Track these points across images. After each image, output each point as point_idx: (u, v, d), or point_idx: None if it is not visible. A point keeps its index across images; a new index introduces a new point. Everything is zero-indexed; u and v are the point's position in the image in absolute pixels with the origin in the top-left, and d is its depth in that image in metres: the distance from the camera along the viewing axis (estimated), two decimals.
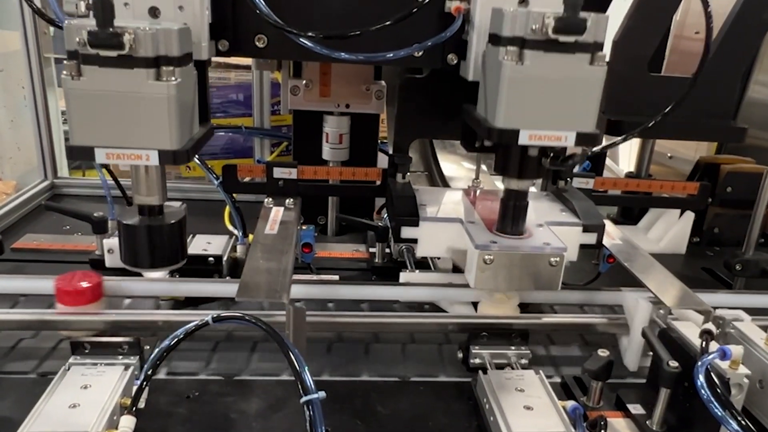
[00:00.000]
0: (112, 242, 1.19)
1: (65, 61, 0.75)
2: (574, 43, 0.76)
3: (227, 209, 1.39)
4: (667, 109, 1.11)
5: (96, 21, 0.73)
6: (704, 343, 0.77)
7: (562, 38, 0.75)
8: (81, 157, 0.79)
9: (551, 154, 0.86)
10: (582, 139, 0.80)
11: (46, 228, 1.43)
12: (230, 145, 1.78)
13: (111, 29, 0.72)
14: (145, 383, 0.76)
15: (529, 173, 0.88)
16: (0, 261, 1.21)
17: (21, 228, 1.43)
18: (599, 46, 0.78)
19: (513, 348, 0.95)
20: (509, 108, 0.79)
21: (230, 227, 1.39)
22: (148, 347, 0.88)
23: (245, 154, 1.78)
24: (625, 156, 2.17)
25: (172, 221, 0.90)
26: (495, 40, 0.82)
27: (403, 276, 1.14)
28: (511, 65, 0.77)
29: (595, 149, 0.88)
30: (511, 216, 0.92)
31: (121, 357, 0.85)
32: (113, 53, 0.73)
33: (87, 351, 0.85)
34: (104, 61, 0.74)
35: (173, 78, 0.77)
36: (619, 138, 1.17)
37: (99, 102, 0.76)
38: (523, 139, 0.80)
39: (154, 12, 0.88)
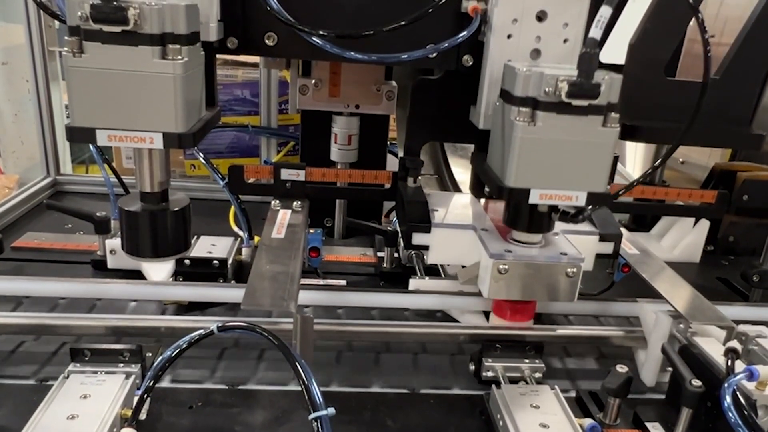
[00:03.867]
0: (114, 243, 1.16)
1: (66, 38, 0.72)
2: (587, 106, 0.75)
3: (232, 210, 1.36)
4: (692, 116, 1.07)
5: None
6: (730, 362, 0.74)
7: (576, 102, 0.74)
8: (81, 139, 0.76)
9: (561, 210, 0.86)
10: (593, 198, 0.81)
11: (48, 226, 1.40)
12: (236, 144, 1.75)
13: (115, 2, 0.69)
14: (146, 395, 0.73)
15: (538, 227, 0.89)
16: (0, 260, 1.18)
17: (22, 226, 1.40)
18: (613, 107, 0.77)
19: (527, 361, 0.92)
20: (520, 168, 0.79)
21: (235, 228, 1.36)
22: (150, 354, 0.86)
23: (251, 153, 1.75)
24: (631, 159, 2.14)
25: (176, 209, 0.87)
26: (507, 97, 0.81)
27: (413, 283, 1.11)
28: (523, 126, 0.77)
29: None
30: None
31: (122, 365, 0.82)
32: (117, 29, 0.70)
33: (87, 358, 0.82)
34: (107, 38, 0.71)
35: (180, 57, 0.74)
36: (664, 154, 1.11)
37: (101, 81, 0.73)
38: (534, 198, 0.80)
39: None
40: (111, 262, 1.17)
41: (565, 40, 0.90)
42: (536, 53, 0.90)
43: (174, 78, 0.74)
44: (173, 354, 0.73)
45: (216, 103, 0.95)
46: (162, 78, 0.74)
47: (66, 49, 0.72)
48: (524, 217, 0.88)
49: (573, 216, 0.85)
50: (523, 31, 0.89)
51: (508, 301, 0.98)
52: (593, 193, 0.80)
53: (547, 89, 0.74)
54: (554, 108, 0.75)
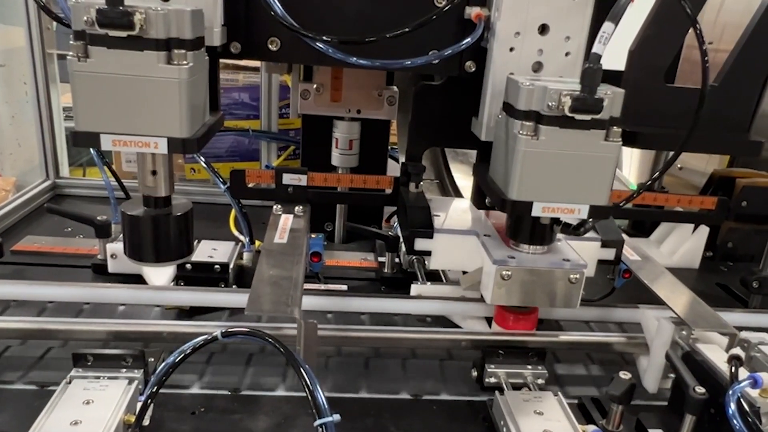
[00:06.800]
0: (115, 247, 1.16)
1: (71, 42, 0.71)
2: (589, 121, 0.76)
3: (233, 214, 1.36)
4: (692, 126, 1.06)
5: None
6: (733, 368, 0.75)
7: (579, 116, 0.75)
8: (86, 143, 0.76)
9: (563, 222, 0.87)
10: (595, 211, 0.81)
11: (47, 230, 1.39)
12: (235, 148, 1.75)
13: (121, 8, 0.69)
14: (149, 400, 0.73)
15: (540, 239, 0.89)
16: (0, 264, 1.17)
17: (21, 229, 1.39)
18: (615, 121, 0.78)
19: (530, 367, 0.92)
20: (523, 181, 0.80)
21: (236, 232, 1.36)
22: (152, 359, 0.85)
23: (251, 157, 1.75)
24: (627, 164, 2.14)
25: (179, 213, 0.87)
26: (510, 110, 0.82)
27: (415, 288, 1.11)
28: (526, 140, 0.78)
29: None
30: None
31: (124, 370, 0.82)
32: (123, 34, 0.70)
33: (89, 363, 0.82)
34: (113, 42, 0.71)
35: (185, 62, 0.74)
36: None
37: (106, 85, 0.73)
38: (537, 211, 0.81)
39: None
40: (112, 267, 1.17)
41: (567, 53, 0.90)
42: (538, 65, 0.91)
43: (179, 83, 0.74)
44: (177, 359, 0.73)
45: (219, 108, 0.95)
46: (167, 83, 0.74)
47: (71, 53, 0.72)
48: (526, 229, 0.89)
49: (575, 228, 0.87)
50: (525, 44, 0.90)
51: (511, 311, 0.98)
52: (595, 206, 0.81)
53: (550, 103, 0.75)
54: (557, 122, 0.76)
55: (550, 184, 0.79)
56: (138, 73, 0.73)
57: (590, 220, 0.83)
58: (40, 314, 1.04)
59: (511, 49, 0.90)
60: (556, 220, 0.87)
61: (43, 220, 1.46)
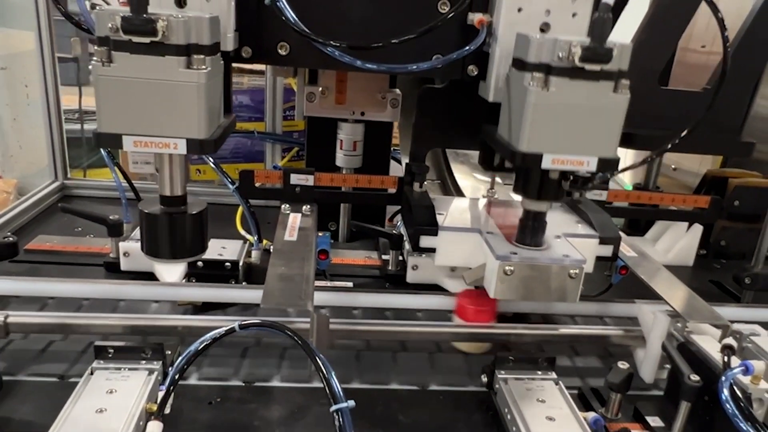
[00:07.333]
0: (127, 245, 1.19)
1: (95, 47, 0.75)
2: (599, 71, 0.78)
3: (239, 213, 1.39)
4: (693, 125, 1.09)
5: (130, 7, 0.73)
6: (726, 357, 0.79)
7: (588, 67, 0.77)
8: (108, 144, 0.80)
9: (571, 177, 0.87)
10: (603, 164, 0.83)
11: (58, 229, 1.42)
12: (239, 149, 1.78)
13: (144, 15, 0.73)
14: (171, 388, 0.76)
15: (548, 195, 0.90)
16: (14, 262, 1.20)
17: (32, 229, 1.42)
18: (623, 74, 0.80)
19: (540, 373, 0.92)
20: (533, 132, 0.81)
21: (242, 231, 1.39)
22: (169, 352, 0.89)
23: (254, 158, 1.78)
24: (621, 165, 2.17)
25: (194, 211, 0.90)
26: (519, 64, 0.84)
27: (412, 260, 1.15)
28: (537, 91, 0.79)
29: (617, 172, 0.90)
30: (530, 232, 0.95)
31: (144, 362, 0.85)
32: (146, 40, 0.73)
33: (110, 355, 0.85)
34: (136, 48, 0.74)
35: (204, 66, 0.77)
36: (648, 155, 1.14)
37: (128, 89, 0.76)
38: (546, 163, 0.82)
39: (180, 2, 0.88)
40: (124, 264, 1.20)
41: (574, 14, 0.91)
42: (546, 26, 0.92)
43: (198, 86, 0.78)
44: (198, 348, 0.76)
45: (231, 110, 0.98)
46: (187, 87, 0.77)
47: (95, 59, 0.75)
48: (534, 184, 0.89)
49: (583, 183, 0.87)
50: (533, 3, 0.91)
51: (470, 305, 1.02)
52: (604, 159, 0.82)
53: (560, 54, 0.76)
54: (567, 73, 0.77)
55: (560, 136, 0.80)
56: (159, 77, 0.76)
57: (597, 175, 0.84)
58: (40, 310, 1.06)
59: (519, 10, 0.91)
60: (564, 176, 0.87)
61: (53, 220, 1.49)
